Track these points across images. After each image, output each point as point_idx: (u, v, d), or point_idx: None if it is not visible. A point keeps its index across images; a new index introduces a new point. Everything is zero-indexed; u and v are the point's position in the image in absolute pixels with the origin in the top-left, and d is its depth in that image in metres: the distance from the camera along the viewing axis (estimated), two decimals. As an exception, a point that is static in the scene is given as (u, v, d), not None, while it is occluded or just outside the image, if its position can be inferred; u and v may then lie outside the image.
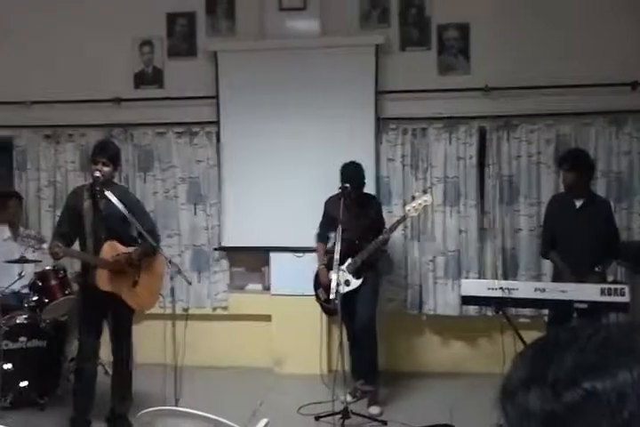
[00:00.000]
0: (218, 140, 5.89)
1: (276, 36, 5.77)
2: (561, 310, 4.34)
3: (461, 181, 5.62)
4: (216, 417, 2.47)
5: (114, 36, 5.96)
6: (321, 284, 4.97)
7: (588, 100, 5.35)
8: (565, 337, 0.74)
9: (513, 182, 5.58)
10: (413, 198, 4.87)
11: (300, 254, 5.66)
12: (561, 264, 4.69)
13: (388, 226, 4.98)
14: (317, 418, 4.56)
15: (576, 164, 4.61)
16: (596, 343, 0.71)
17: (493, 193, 5.58)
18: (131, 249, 4.36)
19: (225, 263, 6.00)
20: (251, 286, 6.05)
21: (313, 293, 5.09)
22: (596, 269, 4.54)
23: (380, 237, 4.77)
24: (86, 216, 4.31)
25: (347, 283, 4.79)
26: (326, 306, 4.93)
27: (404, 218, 4.84)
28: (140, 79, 6.07)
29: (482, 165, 5.66)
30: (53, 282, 4.82)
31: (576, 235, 4.62)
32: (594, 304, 4.11)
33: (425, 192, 5.02)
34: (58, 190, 6.01)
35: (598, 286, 4.14)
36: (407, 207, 4.79)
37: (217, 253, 5.95)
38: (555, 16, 5.50)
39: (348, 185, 4.71)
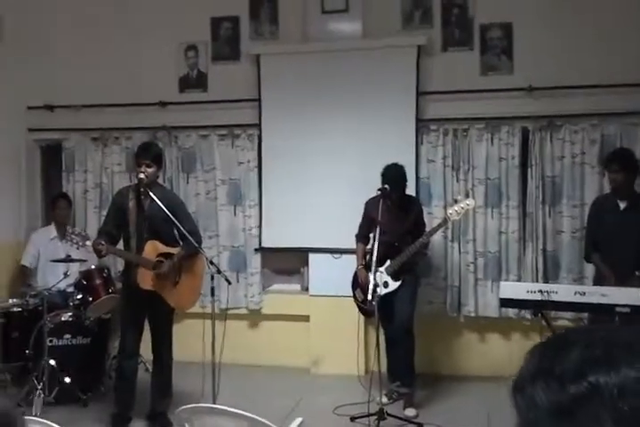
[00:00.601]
0: (259, 142, 5.96)
1: (318, 38, 5.81)
2: (602, 314, 4.25)
3: (503, 183, 5.55)
4: (252, 415, 2.50)
5: (159, 42, 6.10)
6: (359, 284, 4.97)
7: (634, 99, 5.22)
8: (575, 334, 0.78)
9: (556, 183, 5.48)
10: (456, 202, 4.82)
11: (338, 255, 5.67)
12: (603, 268, 4.59)
13: (428, 228, 4.96)
14: (353, 419, 4.56)
15: (624, 164, 4.51)
16: (603, 340, 0.74)
17: (536, 194, 5.49)
18: (172, 249, 4.44)
19: (262, 264, 6.06)
20: (289, 287, 6.10)
21: (351, 294, 5.10)
22: (637, 273, 4.43)
23: (420, 240, 4.74)
24: (131, 216, 4.42)
25: (385, 285, 4.77)
26: (364, 307, 4.93)
27: (445, 221, 4.79)
28: (185, 83, 6.19)
29: (524, 166, 5.57)
30: (97, 281, 4.95)
31: (619, 237, 4.51)
32: (636, 308, 4.01)
33: (467, 196, 4.95)
34: (104, 192, 6.18)
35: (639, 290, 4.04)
36: (449, 211, 4.74)
37: (255, 254, 6.01)
38: (598, 14, 5.38)
39: (387, 186, 4.70)
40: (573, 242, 5.39)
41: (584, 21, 5.41)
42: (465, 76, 5.64)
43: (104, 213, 5.94)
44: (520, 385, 0.76)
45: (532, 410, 0.73)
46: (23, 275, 5.75)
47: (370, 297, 4.44)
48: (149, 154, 4.42)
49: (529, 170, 5.54)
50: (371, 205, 4.94)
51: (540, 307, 4.37)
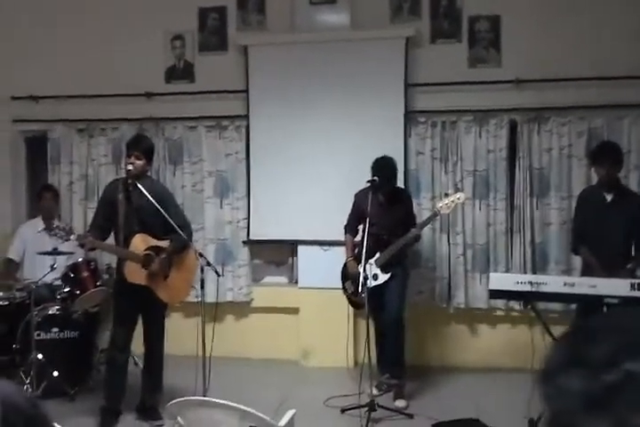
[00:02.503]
0: (247, 133, 5.92)
1: (306, 29, 5.78)
2: (590, 305, 4.29)
3: (491, 175, 5.58)
4: (244, 407, 2.50)
5: (146, 31, 6.04)
6: (349, 276, 4.97)
7: (621, 92, 5.26)
8: (605, 321, 0.78)
9: (543, 176, 5.52)
10: (446, 195, 4.83)
11: (327, 248, 5.67)
12: (590, 260, 4.62)
13: (418, 220, 4.97)
14: (343, 411, 4.58)
15: (610, 157, 4.53)
16: (633, 326, 0.73)
17: (523, 186, 5.53)
18: (162, 242, 4.40)
19: (250, 257, 6.04)
20: (277, 280, 6.09)
21: (340, 286, 5.10)
22: (628, 266, 4.47)
23: (410, 233, 4.74)
24: (119, 208, 4.36)
25: (375, 277, 4.78)
26: (353, 299, 4.94)
27: (435, 215, 4.81)
28: (172, 74, 6.14)
29: (512, 158, 5.60)
30: (85, 274, 4.90)
31: (606, 229, 4.54)
32: (624, 299, 4.05)
33: (458, 189, 4.95)
34: (90, 184, 6.12)
35: (628, 281, 4.07)
36: (439, 204, 4.75)
37: (242, 247, 5.98)
38: (587, 7, 5.41)
39: (376, 178, 4.69)
40: (561, 234, 5.43)
41: (571, 14, 5.44)
42: (453, 69, 5.65)
43: (90, 204, 5.93)
44: (549, 375, 0.75)
45: (564, 400, 0.72)
46: (8, 268, 5.69)
47: (360, 289, 4.45)
48: (139, 146, 4.38)
49: (517, 162, 5.58)
50: (360, 196, 4.93)
51: (529, 298, 4.39)
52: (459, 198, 4.70)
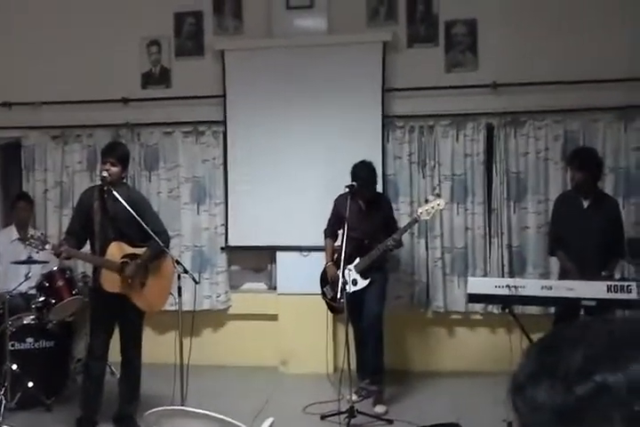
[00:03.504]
0: (225, 139, 5.89)
1: (283, 34, 5.77)
2: (568, 307, 4.31)
3: (469, 179, 5.60)
4: (222, 416, 2.46)
5: (122, 37, 6.00)
6: (328, 281, 4.95)
7: (596, 95, 5.30)
8: (574, 332, 0.75)
9: (520, 179, 5.54)
10: (426, 201, 4.81)
11: (306, 253, 5.65)
12: (567, 264, 4.64)
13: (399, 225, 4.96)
14: (323, 417, 4.55)
15: (585, 163, 4.56)
16: (606, 337, 0.71)
17: (501, 190, 5.54)
18: (138, 250, 4.35)
19: (228, 263, 6.00)
20: (255, 286, 6.06)
21: (319, 291, 5.07)
22: (603, 273, 4.49)
23: (390, 239, 4.71)
24: (95, 216, 4.32)
25: (354, 282, 4.76)
26: (332, 304, 4.91)
27: (414, 221, 4.79)
28: (148, 79, 6.09)
29: (489, 162, 5.62)
30: (60, 283, 4.82)
31: (583, 234, 4.57)
32: (601, 302, 4.07)
33: (438, 196, 4.93)
34: (64, 191, 6.05)
35: (605, 284, 4.09)
36: (419, 210, 4.72)
37: (220, 253, 5.93)
38: (562, 11, 5.45)
39: (354, 183, 4.68)
40: (539, 237, 5.45)
41: (547, 18, 5.48)
42: (430, 73, 5.66)
43: (65, 212, 5.86)
44: (519, 387, 0.73)
45: (534, 413, 0.70)
46: None
47: (339, 295, 4.42)
48: (115, 153, 4.34)
49: (494, 166, 5.59)
50: (340, 201, 4.91)
51: (507, 302, 4.40)
52: (439, 204, 4.68)
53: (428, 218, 4.75)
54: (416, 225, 5.52)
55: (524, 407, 0.72)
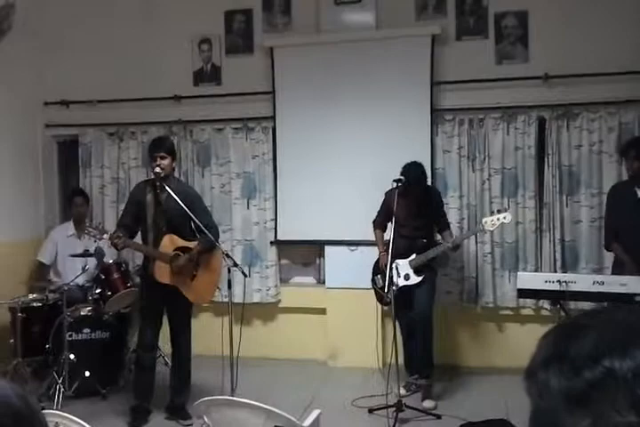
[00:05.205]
0: (274, 134, 5.95)
1: (331, 30, 5.78)
2: (621, 303, 4.21)
3: (519, 172, 5.51)
4: (270, 407, 2.51)
5: (173, 35, 6.11)
6: (380, 270, 4.91)
7: (652, 86, 5.15)
8: (587, 318, 0.77)
9: (573, 173, 5.43)
10: (494, 213, 4.75)
11: (354, 248, 5.66)
12: (624, 256, 4.53)
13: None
14: (371, 411, 4.57)
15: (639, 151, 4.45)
16: (617, 324, 0.73)
17: (553, 184, 5.44)
18: (190, 243, 4.44)
19: (278, 257, 6.06)
20: (304, 280, 6.11)
21: (368, 286, 5.06)
22: None
23: (450, 243, 4.67)
24: (148, 210, 4.44)
25: (406, 277, 4.75)
26: (381, 293, 4.87)
27: (479, 230, 4.78)
28: (199, 77, 6.20)
29: (541, 155, 5.52)
30: (115, 275, 4.99)
31: (638, 225, 4.45)
32: (654, 297, 3.98)
33: (506, 210, 4.85)
34: (120, 187, 6.22)
35: (659, 279, 4.00)
36: (484, 219, 4.67)
37: (269, 247, 6.00)
38: (613, 1, 5.31)
39: (402, 177, 4.66)
40: (592, 231, 5.33)
41: (599, 8, 5.34)
42: (480, 65, 5.59)
43: (121, 207, 5.98)
44: (532, 371, 0.75)
45: (545, 396, 0.72)
46: (39, 270, 5.80)
47: (386, 290, 4.41)
48: (162, 146, 4.44)
49: (545, 159, 5.49)
50: (390, 195, 4.88)
51: (558, 297, 4.34)
52: (505, 218, 4.62)
53: (491, 229, 4.70)
54: (466, 219, 5.51)
55: (535, 391, 0.74)
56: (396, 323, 4.64)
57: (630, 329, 0.72)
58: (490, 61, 5.61)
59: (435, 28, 5.59)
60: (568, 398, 0.70)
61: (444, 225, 4.91)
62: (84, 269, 5.06)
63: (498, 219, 4.60)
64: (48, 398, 4.60)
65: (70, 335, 4.88)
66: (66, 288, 4.88)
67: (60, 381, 4.67)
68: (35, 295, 5.23)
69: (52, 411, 2.63)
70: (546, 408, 0.73)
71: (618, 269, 4.59)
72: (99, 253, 5.22)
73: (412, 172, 4.70)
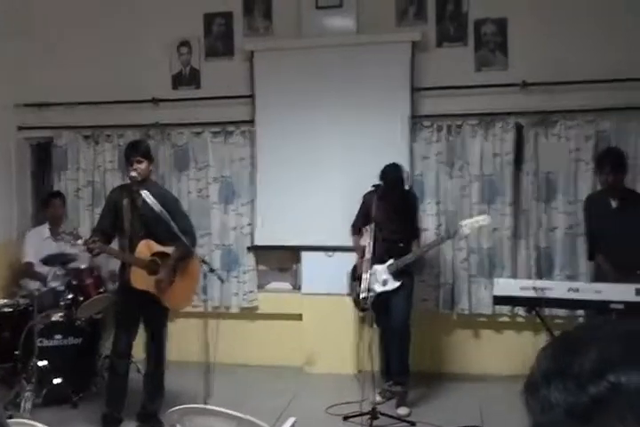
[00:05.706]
0: (253, 139, 5.91)
1: (312, 34, 5.77)
2: (597, 310, 4.22)
3: (497, 179, 5.51)
4: (244, 416, 2.48)
5: (152, 38, 6.05)
6: (358, 277, 4.87)
7: (628, 95, 5.18)
8: (589, 331, 0.75)
9: (550, 180, 5.44)
10: (472, 216, 4.75)
11: (331, 253, 5.63)
12: (607, 267, 4.54)
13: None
14: (345, 418, 4.54)
15: (615, 164, 4.48)
16: (621, 337, 0.71)
17: (530, 190, 5.46)
18: (167, 248, 4.39)
19: (255, 262, 6.01)
20: (280, 286, 6.06)
21: (344, 292, 5.04)
22: (638, 272, 4.38)
23: (426, 246, 4.65)
24: (124, 214, 4.38)
25: (384, 283, 4.73)
26: (358, 300, 4.83)
27: (455, 233, 4.73)
28: (178, 80, 6.14)
29: (518, 162, 5.53)
30: (88, 281, 4.92)
31: (615, 235, 4.48)
32: (629, 305, 3.98)
33: (486, 213, 4.85)
34: (96, 190, 6.13)
35: (633, 286, 4.00)
36: (462, 222, 4.67)
37: (247, 253, 5.95)
38: (593, 9, 5.34)
39: (380, 183, 4.65)
40: (567, 238, 5.35)
41: (578, 16, 5.37)
42: (459, 72, 5.60)
43: (97, 211, 5.93)
44: (533, 386, 0.73)
45: (547, 412, 0.70)
46: (28, 271, 5.55)
47: (363, 295, 4.38)
48: (138, 150, 4.38)
49: (523, 166, 5.50)
50: (368, 197, 4.86)
51: (533, 304, 4.34)
52: (484, 220, 4.62)
53: (468, 232, 4.69)
54: (443, 225, 5.50)
55: (536, 407, 0.72)
56: (374, 329, 4.61)
57: (634, 343, 0.70)
58: (469, 68, 5.63)
59: (415, 35, 5.60)
60: (571, 414, 0.68)
61: (415, 232, 4.89)
62: (56, 274, 4.97)
63: (477, 221, 4.60)
64: (15, 406, 4.49)
65: (41, 341, 4.78)
66: (36, 293, 4.79)
67: (28, 388, 4.57)
68: (5, 301, 5.13)
69: (19, 420, 2.58)
70: (546, 423, 0.71)
71: (600, 279, 4.57)
72: (68, 259, 5.12)
73: (390, 173, 4.69)
